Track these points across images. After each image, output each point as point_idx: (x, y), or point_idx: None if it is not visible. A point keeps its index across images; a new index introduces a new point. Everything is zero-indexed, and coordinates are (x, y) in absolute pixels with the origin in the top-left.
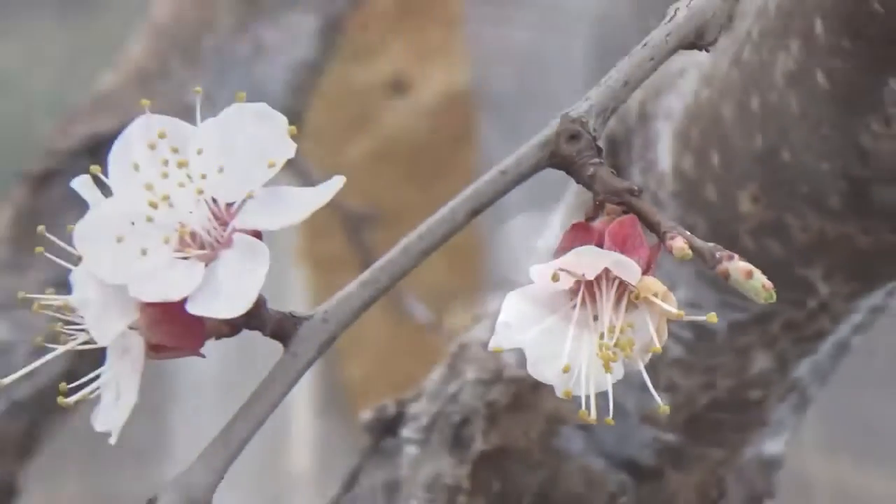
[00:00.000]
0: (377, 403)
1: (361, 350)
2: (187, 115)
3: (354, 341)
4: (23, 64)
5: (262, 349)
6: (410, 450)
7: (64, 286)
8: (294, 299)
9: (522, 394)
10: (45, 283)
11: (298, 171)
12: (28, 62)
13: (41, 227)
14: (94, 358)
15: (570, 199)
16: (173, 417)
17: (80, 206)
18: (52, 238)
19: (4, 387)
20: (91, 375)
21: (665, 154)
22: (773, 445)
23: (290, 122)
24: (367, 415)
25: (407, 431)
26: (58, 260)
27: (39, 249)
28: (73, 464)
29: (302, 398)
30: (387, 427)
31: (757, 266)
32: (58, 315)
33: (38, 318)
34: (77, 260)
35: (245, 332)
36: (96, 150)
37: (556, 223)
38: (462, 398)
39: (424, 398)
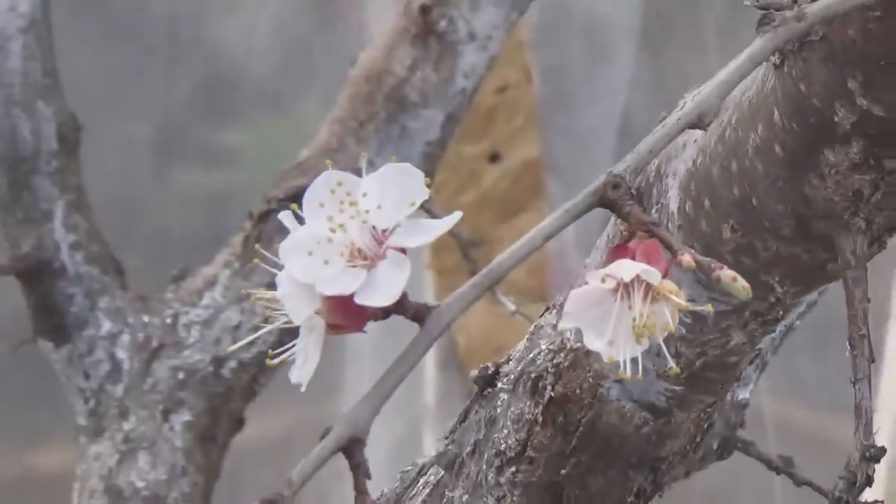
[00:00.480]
0: (481, 364)
1: (468, 327)
2: (356, 174)
3: (463, 321)
4: (247, 144)
5: (404, 328)
6: (503, 396)
7: (273, 286)
8: (425, 295)
9: (578, 358)
10: (262, 285)
11: (429, 210)
12: (252, 143)
13: (257, 245)
14: (292, 333)
15: (609, 229)
16: (346, 371)
17: (285, 234)
18: (266, 254)
19: (235, 351)
20: (289, 345)
21: (673, 200)
22: (742, 393)
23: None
24: (474, 372)
25: (501, 383)
26: (270, 269)
27: (255, 260)
28: (280, 400)
29: (430, 358)
30: (488, 380)
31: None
32: (268, 305)
33: (256, 308)
34: (281, 267)
35: (393, 316)
36: (297, 197)
37: (602, 245)
38: (538, 361)
39: (512, 361)
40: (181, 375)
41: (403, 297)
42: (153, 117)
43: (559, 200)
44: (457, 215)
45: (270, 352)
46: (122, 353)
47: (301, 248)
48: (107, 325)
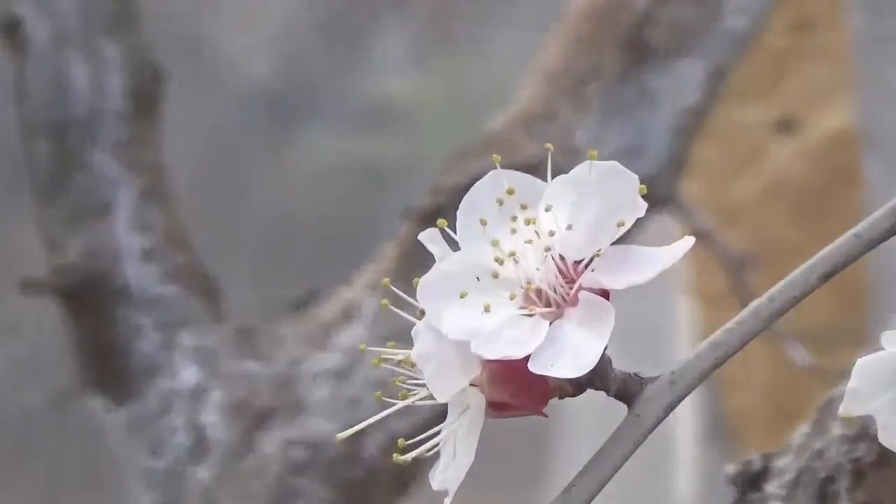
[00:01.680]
0: (743, 458)
1: (745, 382)
2: (573, 157)
3: (738, 373)
4: (406, 97)
5: None
6: None
7: None
8: (680, 333)
9: (888, 451)
10: None
11: (683, 212)
12: (414, 96)
13: (416, 280)
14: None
15: None
16: (556, 453)
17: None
18: (399, 292)
19: (349, 438)
20: (431, 431)
21: None
22: None
23: (674, 165)
24: (731, 468)
25: (771, 487)
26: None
27: (385, 303)
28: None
29: (684, 426)
30: (752, 481)
31: None
32: (400, 370)
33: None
34: (419, 314)
35: None
36: None
37: None
38: (828, 454)
39: (791, 453)
40: (300, 453)
41: (605, 363)
42: (262, 58)
43: (883, 196)
44: (688, 242)
45: (400, 441)
46: (210, 418)
47: (450, 287)
48: (190, 374)
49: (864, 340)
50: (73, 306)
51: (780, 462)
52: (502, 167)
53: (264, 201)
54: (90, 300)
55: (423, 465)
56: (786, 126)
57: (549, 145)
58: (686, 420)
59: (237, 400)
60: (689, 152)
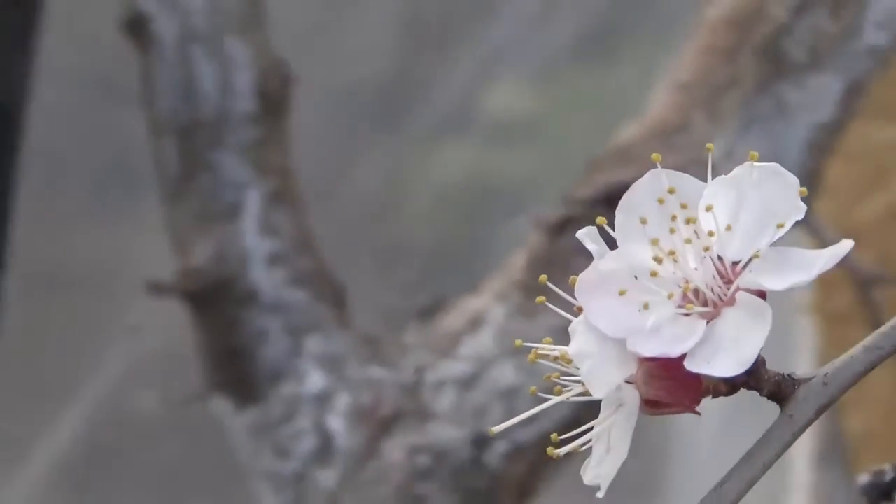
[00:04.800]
0: (875, 466)
1: (864, 404)
2: (705, 169)
3: (857, 394)
4: (537, 109)
5: (762, 404)
6: None
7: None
8: (801, 352)
9: None
10: (554, 330)
11: (811, 229)
12: (544, 108)
13: (543, 277)
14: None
15: None
16: (669, 458)
17: (588, 254)
18: (557, 290)
19: (504, 432)
20: (584, 427)
21: None
22: None
23: (807, 181)
24: (863, 478)
25: None
26: (563, 312)
27: (541, 300)
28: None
29: (801, 448)
30: (884, 492)
31: None
32: (555, 366)
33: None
34: (577, 311)
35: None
36: (613, 200)
37: None
38: None
39: None
40: (425, 460)
41: (759, 364)
42: (378, 61)
43: None
44: (848, 244)
45: (555, 436)
46: (336, 423)
47: (609, 285)
48: (316, 380)
49: None
50: (200, 309)
51: None
52: (635, 180)
53: (385, 210)
54: (217, 304)
55: (547, 474)
56: None
57: (710, 145)
58: (801, 444)
59: (363, 406)
60: (823, 169)
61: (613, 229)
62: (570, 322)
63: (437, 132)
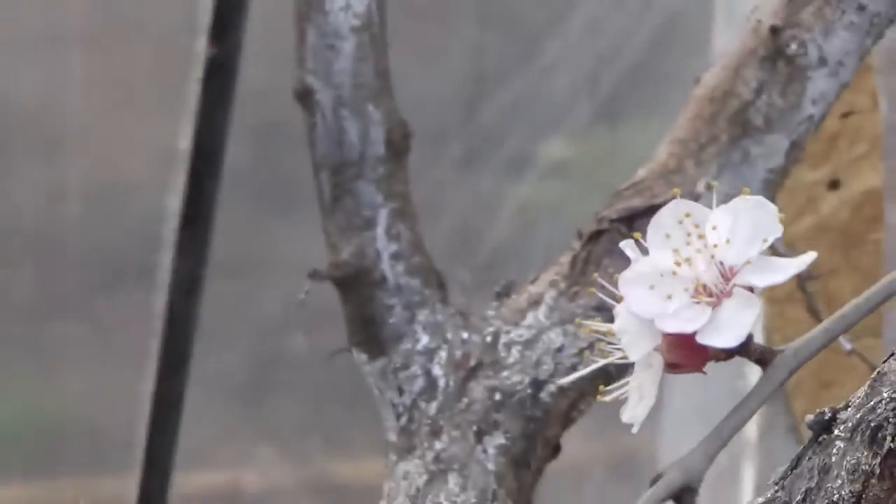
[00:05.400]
0: (817, 409)
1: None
2: (694, 199)
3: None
4: (576, 156)
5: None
6: (839, 444)
7: (597, 311)
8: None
9: None
10: (587, 307)
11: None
12: (591, 155)
13: (595, 275)
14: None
15: None
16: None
17: (614, 256)
18: (604, 283)
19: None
20: (621, 382)
21: None
22: None
23: None
24: (809, 417)
25: (837, 430)
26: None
27: (591, 290)
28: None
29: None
30: (824, 426)
31: None
32: (602, 338)
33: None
34: (618, 298)
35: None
36: (629, 220)
37: None
38: (878, 410)
39: (851, 408)
40: (498, 396)
41: (749, 338)
42: (456, 112)
43: None
44: (810, 256)
45: (601, 387)
46: (438, 370)
47: (643, 281)
48: (424, 340)
49: (880, 334)
50: (346, 291)
51: (844, 414)
52: (645, 206)
53: (471, 225)
54: (357, 287)
55: (583, 410)
56: (833, 184)
57: (714, 182)
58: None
59: (456, 359)
60: (775, 200)
61: (636, 241)
62: (600, 302)
63: (505, 171)
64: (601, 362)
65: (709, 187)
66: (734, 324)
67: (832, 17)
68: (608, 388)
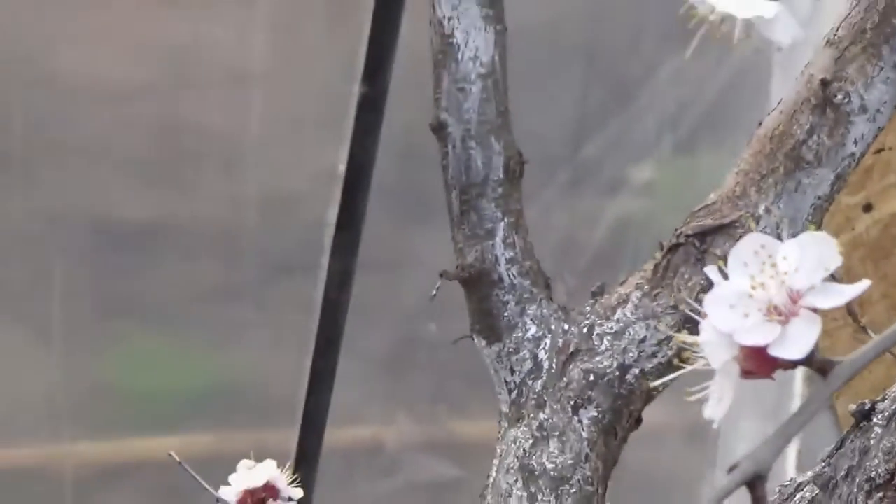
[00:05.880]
0: (859, 401)
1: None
2: (756, 222)
3: (830, 344)
4: (670, 180)
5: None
6: (877, 430)
7: (674, 309)
8: None
9: None
10: (666, 307)
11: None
12: (673, 178)
13: (683, 293)
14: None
15: None
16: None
17: (689, 265)
18: (688, 300)
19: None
20: (704, 385)
21: None
22: None
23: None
24: (853, 406)
25: (876, 418)
26: (690, 305)
27: (674, 296)
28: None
29: (799, 372)
30: (864, 414)
31: None
32: (688, 347)
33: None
34: (703, 315)
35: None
36: (702, 236)
37: None
38: None
39: (888, 399)
40: (591, 377)
41: (813, 351)
42: (575, 156)
43: None
44: (865, 283)
45: (687, 390)
46: (543, 355)
47: (724, 302)
48: (532, 330)
49: None
50: (469, 288)
51: (882, 405)
52: (715, 224)
53: (576, 236)
54: (479, 285)
55: (662, 389)
56: (867, 207)
57: (776, 216)
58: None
59: (558, 346)
60: (822, 221)
61: (706, 260)
62: (676, 301)
63: (602, 193)
64: (688, 368)
65: (768, 210)
66: (800, 339)
67: (872, 73)
68: (693, 389)
